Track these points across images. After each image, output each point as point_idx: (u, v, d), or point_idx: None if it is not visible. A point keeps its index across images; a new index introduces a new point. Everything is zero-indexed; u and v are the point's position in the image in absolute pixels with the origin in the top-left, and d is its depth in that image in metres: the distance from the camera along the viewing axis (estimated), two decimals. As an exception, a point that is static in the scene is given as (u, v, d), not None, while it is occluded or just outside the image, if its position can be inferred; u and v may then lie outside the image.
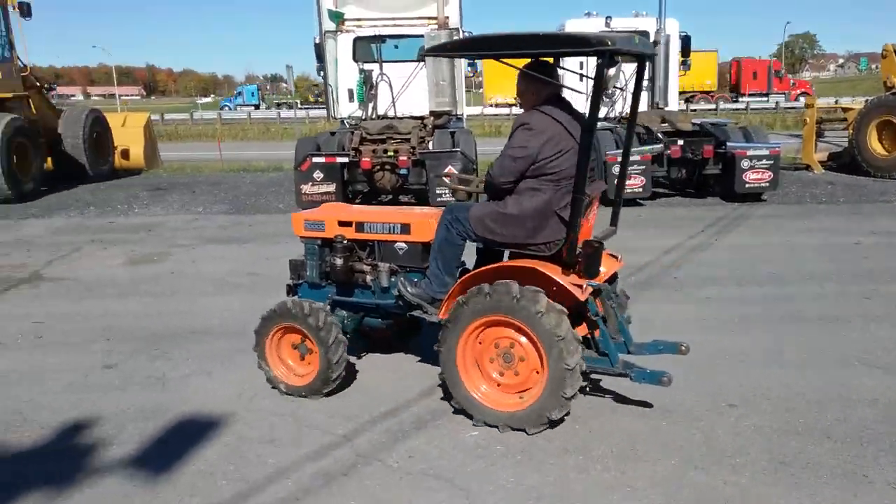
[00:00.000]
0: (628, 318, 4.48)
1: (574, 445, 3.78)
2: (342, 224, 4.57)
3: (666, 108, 12.73)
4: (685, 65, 13.47)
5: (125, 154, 17.39)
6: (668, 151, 11.08)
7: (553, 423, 3.86)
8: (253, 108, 59.98)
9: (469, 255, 4.34)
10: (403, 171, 10.79)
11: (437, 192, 10.46)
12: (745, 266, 7.35)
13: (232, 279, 7.36)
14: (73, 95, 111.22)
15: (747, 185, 10.97)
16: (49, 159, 15.39)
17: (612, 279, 4.36)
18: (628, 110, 12.55)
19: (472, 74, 15.83)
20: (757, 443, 3.75)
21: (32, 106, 14.77)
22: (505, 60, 3.85)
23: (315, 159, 10.74)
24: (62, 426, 4.15)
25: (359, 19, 13.71)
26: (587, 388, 4.33)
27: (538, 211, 3.83)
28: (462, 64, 13.47)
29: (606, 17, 13.02)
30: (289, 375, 4.48)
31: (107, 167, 16.24)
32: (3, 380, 4.86)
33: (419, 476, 3.51)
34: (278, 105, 61.42)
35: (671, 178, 11.83)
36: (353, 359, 4.71)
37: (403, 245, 4.47)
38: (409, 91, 13.15)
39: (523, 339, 3.82)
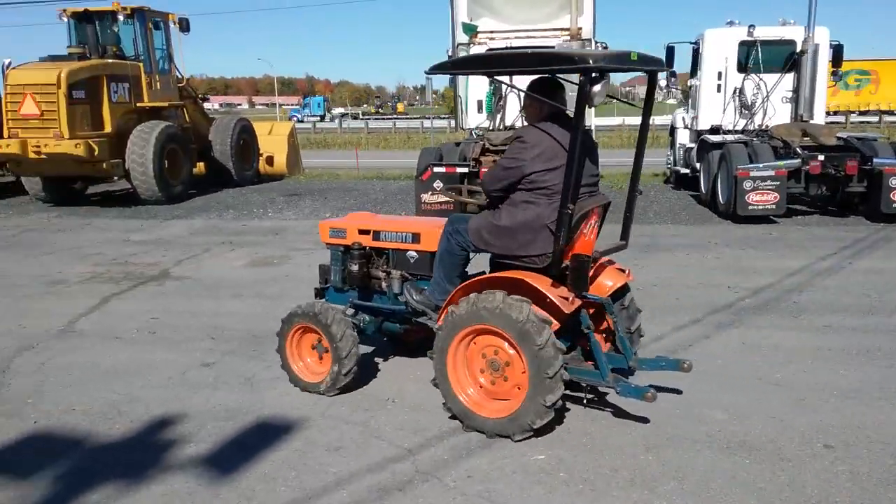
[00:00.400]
0: (639, 333, 4.50)
1: (642, 478, 3.55)
2: (361, 232, 4.85)
3: (811, 122, 11.92)
4: (836, 75, 12.56)
5: (270, 160, 18.33)
6: (807, 167, 10.35)
7: (538, 432, 3.89)
8: (318, 118, 63.09)
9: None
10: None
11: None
12: (877, 293, 6.71)
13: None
14: (239, 104, 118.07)
15: (895, 205, 10.07)
16: (202, 164, 16.52)
17: (621, 293, 4.37)
18: (769, 122, 12.03)
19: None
20: (848, 492, 3.38)
21: (187, 114, 15.85)
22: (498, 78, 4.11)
23: (436, 169, 10.84)
24: (150, 421, 4.36)
25: (492, 31, 13.77)
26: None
27: (529, 223, 3.92)
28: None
29: (749, 26, 12.37)
30: (305, 373, 4.73)
31: (251, 172, 17.15)
32: (111, 373, 5.18)
33: (473, 497, 3.41)
34: (343, 115, 63.69)
35: (810, 194, 11.05)
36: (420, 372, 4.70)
37: (414, 254, 4.69)
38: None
39: (510, 349, 3.90)
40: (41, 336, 6.05)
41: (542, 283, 3.88)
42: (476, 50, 13.31)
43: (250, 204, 13.69)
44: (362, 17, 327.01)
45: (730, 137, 11.70)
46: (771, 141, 11.02)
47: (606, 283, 4.23)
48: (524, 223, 3.93)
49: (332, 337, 4.49)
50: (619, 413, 4.27)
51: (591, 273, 4.13)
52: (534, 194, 3.90)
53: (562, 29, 13.22)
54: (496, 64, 3.99)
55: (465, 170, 10.69)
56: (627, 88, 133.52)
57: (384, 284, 4.80)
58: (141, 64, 14.34)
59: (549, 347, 3.74)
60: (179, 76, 15.83)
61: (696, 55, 13.51)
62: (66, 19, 14.45)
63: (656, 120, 36.13)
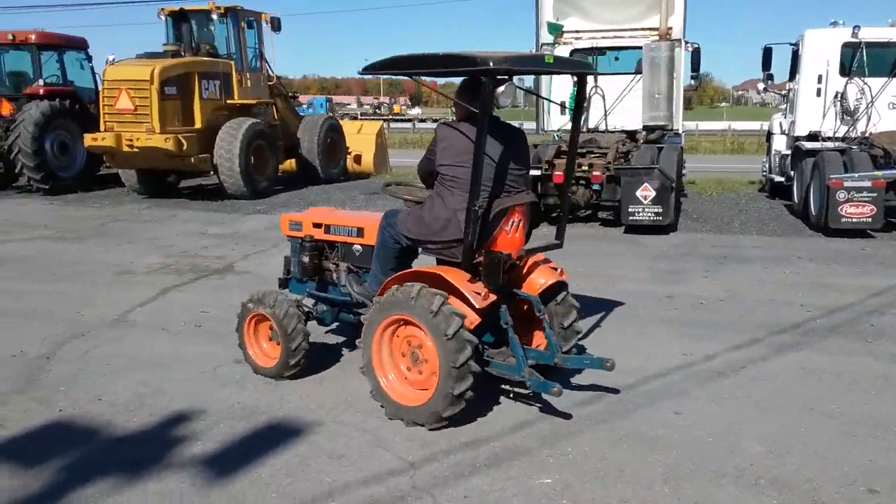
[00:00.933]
0: (573, 330, 4.54)
1: (651, 513, 3.28)
2: (315, 226, 5.16)
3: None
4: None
5: (357, 159, 18.53)
6: (911, 177, 9.56)
7: (452, 421, 4.03)
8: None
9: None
10: (596, 187, 10.34)
11: (630, 210, 9.88)
12: (974, 321, 6.08)
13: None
14: (347, 104, 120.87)
15: None
16: (293, 161, 16.88)
17: (556, 290, 4.46)
18: (872, 130, 11.18)
19: (695, 88, 14.84)
20: (884, 547, 3.01)
21: (276, 112, 16.18)
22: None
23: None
24: (168, 415, 4.36)
25: (578, 31, 13.45)
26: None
27: (441, 211, 4.15)
28: (681, 77, 12.68)
29: (854, 27, 11.55)
30: (260, 357, 4.96)
31: (337, 170, 17.35)
32: (147, 364, 5.25)
33: (463, 520, 3.23)
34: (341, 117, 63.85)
35: (914, 208, 10.21)
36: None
37: (359, 247, 4.95)
38: (624, 104, 12.65)
39: (427, 340, 4.02)
40: (94, 325, 6.21)
41: (456, 278, 4.04)
42: (560, 50, 13.03)
43: (331, 201, 13.81)
44: (458, 16, 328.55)
45: (828, 144, 10.96)
46: (871, 150, 10.24)
47: (539, 280, 4.40)
48: (438, 211, 4.17)
49: (279, 324, 4.70)
50: (646, 438, 3.97)
51: (524, 271, 4.41)
52: (446, 187, 4.15)
53: (650, 29, 12.77)
54: (412, 65, 4.14)
55: (538, 172, 10.41)
56: (740, 92, 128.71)
57: (335, 276, 5.09)
58: (232, 62, 14.72)
59: (458, 339, 3.85)
60: (270, 74, 16.18)
61: (796, 57, 12.74)
62: (163, 18, 15.00)
63: (756, 125, 34.38)
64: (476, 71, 3.87)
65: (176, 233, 10.72)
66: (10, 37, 15.18)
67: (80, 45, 16.54)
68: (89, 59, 16.67)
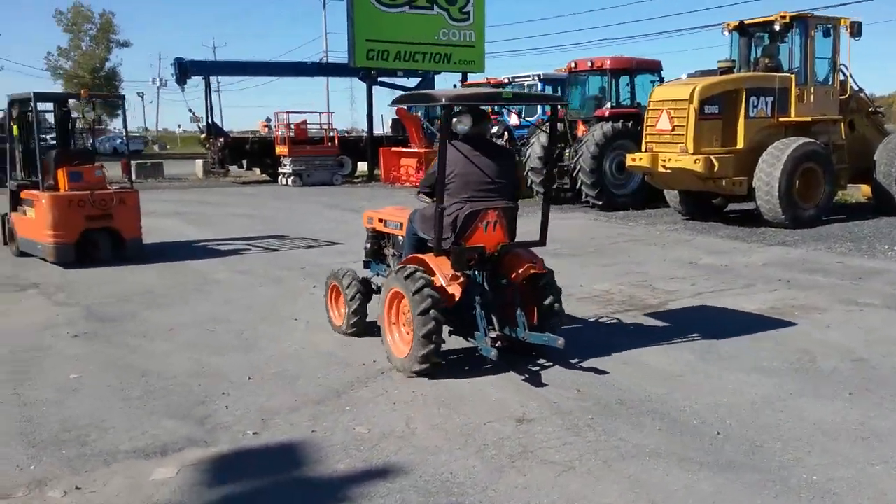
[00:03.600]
0: (552, 310, 5.66)
1: None
2: (379, 220, 6.61)
3: None
4: None
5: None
6: None
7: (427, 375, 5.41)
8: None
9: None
10: None
11: None
12: None
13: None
14: None
15: None
16: (866, 187, 14.53)
17: (536, 278, 5.64)
18: None
19: None
20: None
21: (845, 130, 14.05)
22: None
23: None
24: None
25: None
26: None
27: (430, 214, 5.47)
28: None
29: None
30: (336, 318, 6.66)
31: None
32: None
33: None
34: None
35: None
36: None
37: (401, 237, 6.20)
38: None
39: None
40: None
41: (437, 263, 5.40)
42: None
43: (886, 238, 11.41)
44: None
45: None
46: None
47: (518, 270, 5.56)
48: (429, 214, 5.50)
49: (343, 291, 6.39)
50: None
51: (510, 263, 5.61)
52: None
53: None
54: (412, 100, 6.38)
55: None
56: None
57: (389, 259, 6.56)
58: (793, 76, 13.27)
59: (427, 314, 5.16)
60: (846, 88, 14.08)
61: None
62: (727, 34, 14.37)
63: None
64: (434, 105, 5.71)
65: (666, 259, 10.24)
66: (589, 63, 16.51)
67: (653, 67, 17.02)
68: (661, 81, 17.03)
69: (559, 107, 6.22)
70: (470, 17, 26.41)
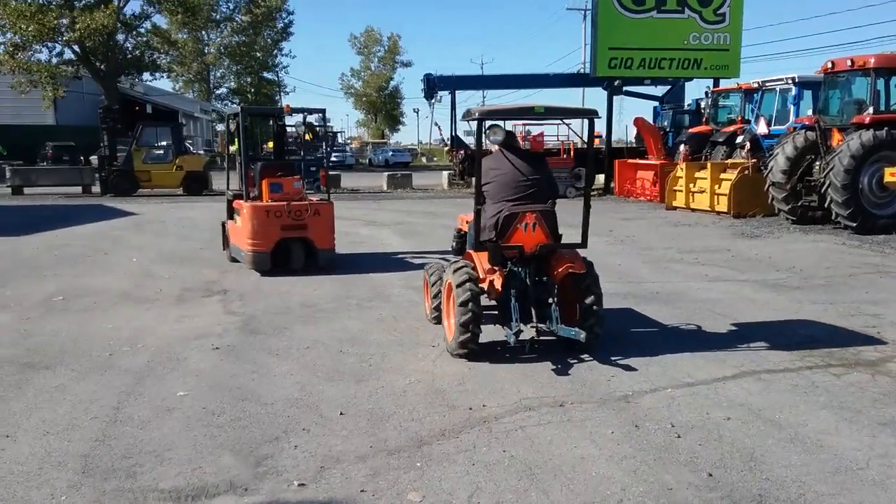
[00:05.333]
0: (590, 308, 6.20)
1: None
2: (466, 222, 7.13)
3: None
4: None
5: None
6: None
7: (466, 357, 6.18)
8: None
9: None
10: None
11: None
12: None
13: None
14: None
15: None
16: None
17: (580, 279, 6.22)
18: None
19: None
20: None
21: None
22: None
23: None
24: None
25: None
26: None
27: (478, 217, 6.34)
28: None
29: None
30: (427, 307, 7.56)
31: None
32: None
33: None
34: None
35: None
36: None
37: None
38: None
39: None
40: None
41: (479, 258, 6.30)
42: None
43: None
44: None
45: None
46: None
47: (558, 269, 6.20)
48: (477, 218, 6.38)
49: (428, 278, 7.39)
50: None
51: (553, 260, 6.29)
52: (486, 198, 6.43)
53: None
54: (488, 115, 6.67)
55: None
56: None
57: None
58: None
59: (464, 303, 5.98)
60: None
61: None
62: None
63: None
64: (470, 119, 6.39)
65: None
66: (849, 63, 14.19)
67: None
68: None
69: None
70: (725, 20, 24.28)
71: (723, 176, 17.15)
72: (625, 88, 25.58)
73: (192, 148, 44.68)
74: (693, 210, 18.13)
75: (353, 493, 3.96)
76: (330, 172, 28.86)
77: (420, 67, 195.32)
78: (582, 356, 6.30)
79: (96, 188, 25.93)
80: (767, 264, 10.95)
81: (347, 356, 6.46)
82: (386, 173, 30.85)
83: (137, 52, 45.72)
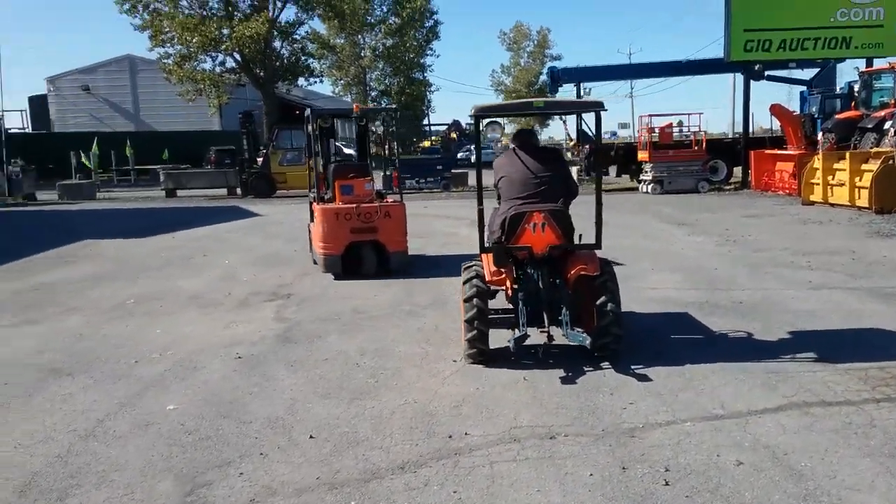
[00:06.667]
0: (603, 309, 5.77)
1: None
2: None
3: None
4: None
5: None
6: None
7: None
8: None
9: None
10: None
11: None
12: None
13: None
14: None
15: None
16: None
17: (594, 279, 5.87)
18: None
19: None
20: None
21: None
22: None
23: None
24: None
25: None
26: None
27: (492, 217, 6.29)
28: None
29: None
30: None
31: None
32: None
33: None
34: None
35: None
36: None
37: None
38: None
39: None
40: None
41: (486, 259, 6.11)
42: None
43: None
44: None
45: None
46: None
47: (571, 271, 5.91)
48: (491, 216, 6.33)
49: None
50: None
51: (567, 262, 5.99)
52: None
53: None
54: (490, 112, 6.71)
55: None
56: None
57: None
58: None
59: (469, 301, 5.86)
60: None
61: None
62: None
63: None
64: (472, 115, 6.19)
65: None
66: None
67: None
68: None
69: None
70: (878, -8, 21.74)
71: (864, 167, 15.27)
72: (766, 73, 23.51)
73: (344, 149, 46.29)
74: (832, 205, 16.33)
75: (263, 535, 3.62)
76: (456, 171, 29.12)
77: (569, 60, 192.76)
78: (604, 373, 5.71)
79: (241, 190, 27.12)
80: (891, 269, 9.56)
81: (360, 370, 6.13)
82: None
83: (293, 58, 47.91)
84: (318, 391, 5.66)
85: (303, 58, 49.88)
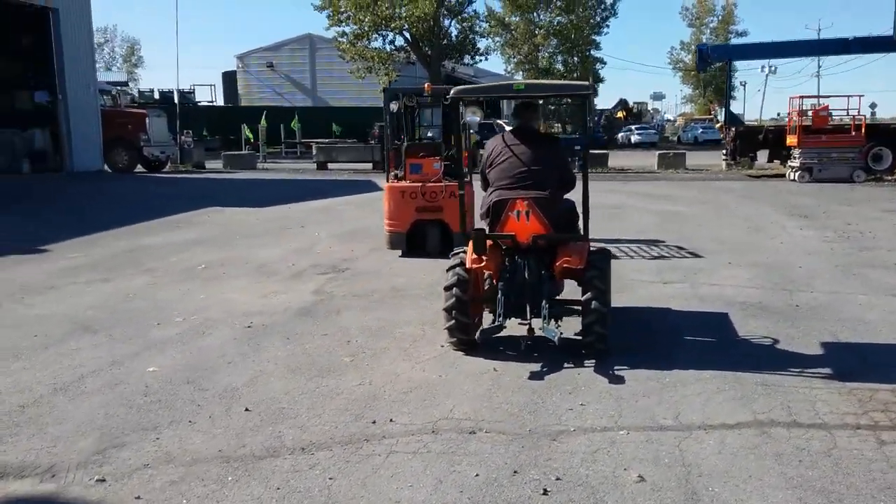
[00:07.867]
0: (587, 302, 5.54)
1: None
2: None
3: None
4: None
5: None
6: None
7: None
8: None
9: None
10: None
11: None
12: None
13: None
14: None
15: None
16: None
17: (583, 269, 5.64)
18: None
19: None
20: None
21: None
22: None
23: None
24: None
25: None
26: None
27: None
28: None
29: None
30: None
31: None
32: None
33: None
34: None
35: None
36: None
37: None
38: None
39: None
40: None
41: (469, 246, 5.83)
42: None
43: None
44: None
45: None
46: None
47: (556, 262, 5.68)
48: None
49: None
50: None
51: (555, 256, 5.72)
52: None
53: None
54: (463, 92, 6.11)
55: None
56: None
57: None
58: None
59: (450, 290, 5.75)
60: None
61: None
62: None
63: None
64: (447, 98, 6.30)
65: None
66: None
67: None
68: None
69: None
70: None
71: None
72: (948, 51, 20.87)
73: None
74: None
75: (120, 499, 3.74)
76: (595, 151, 28.30)
77: (755, 36, 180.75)
78: (580, 371, 5.43)
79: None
80: None
81: (346, 348, 6.15)
82: (657, 153, 28.97)
83: (461, 36, 48.71)
84: (290, 366, 5.72)
85: (471, 35, 50.58)
